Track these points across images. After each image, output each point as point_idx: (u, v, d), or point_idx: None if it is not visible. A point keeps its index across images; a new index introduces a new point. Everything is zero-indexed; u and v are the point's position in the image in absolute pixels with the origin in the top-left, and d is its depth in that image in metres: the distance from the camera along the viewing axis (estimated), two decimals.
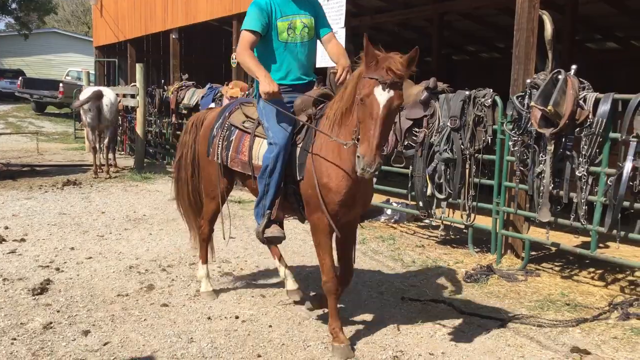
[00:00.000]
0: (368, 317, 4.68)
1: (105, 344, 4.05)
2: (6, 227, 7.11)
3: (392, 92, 3.36)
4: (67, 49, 38.59)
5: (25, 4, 29.66)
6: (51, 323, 4.35)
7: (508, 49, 8.15)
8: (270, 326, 4.42)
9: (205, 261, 5.11)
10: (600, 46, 15.48)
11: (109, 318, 4.49)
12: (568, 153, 5.38)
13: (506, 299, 5.20)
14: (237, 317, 4.57)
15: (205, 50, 21.00)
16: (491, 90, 6.34)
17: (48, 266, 5.71)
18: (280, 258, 5.04)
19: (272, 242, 4.43)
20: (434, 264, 6.22)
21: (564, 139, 5.40)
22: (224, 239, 5.05)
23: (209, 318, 4.55)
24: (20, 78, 29.23)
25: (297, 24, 4.28)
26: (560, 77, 5.39)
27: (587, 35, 14.49)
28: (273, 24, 4.22)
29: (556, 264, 6.31)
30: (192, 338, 4.18)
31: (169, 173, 12.29)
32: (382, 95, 3.36)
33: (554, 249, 6.53)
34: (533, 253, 6.34)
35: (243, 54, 4.17)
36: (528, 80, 5.80)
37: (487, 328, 4.47)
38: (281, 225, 4.27)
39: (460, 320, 4.62)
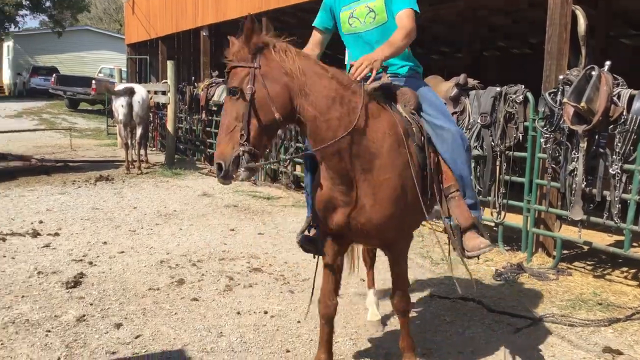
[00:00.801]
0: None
1: (137, 336, 4.12)
2: (40, 222, 7.26)
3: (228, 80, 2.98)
4: (100, 47, 39.09)
5: (59, 2, 30.21)
6: (84, 316, 4.44)
7: (540, 45, 8.02)
8: (298, 322, 4.44)
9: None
10: (635, 42, 15.16)
11: (141, 311, 4.57)
12: (601, 150, 5.30)
13: (537, 297, 5.14)
14: (266, 313, 4.60)
15: None
16: (522, 86, 6.27)
17: (81, 260, 5.82)
18: (372, 283, 4.48)
19: (305, 250, 3.66)
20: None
21: (597, 136, 5.31)
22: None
23: (238, 313, 4.59)
24: (54, 75, 29.73)
25: (362, 10, 3.61)
26: (593, 73, 5.30)
27: (621, 31, 14.19)
28: (337, 16, 3.72)
29: (588, 263, 6.21)
30: (221, 332, 4.22)
31: (199, 169, 12.43)
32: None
33: (586, 247, 6.43)
34: (565, 252, 6.25)
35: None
36: (561, 77, 5.72)
37: (517, 327, 4.43)
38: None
39: (489, 319, 4.60)
